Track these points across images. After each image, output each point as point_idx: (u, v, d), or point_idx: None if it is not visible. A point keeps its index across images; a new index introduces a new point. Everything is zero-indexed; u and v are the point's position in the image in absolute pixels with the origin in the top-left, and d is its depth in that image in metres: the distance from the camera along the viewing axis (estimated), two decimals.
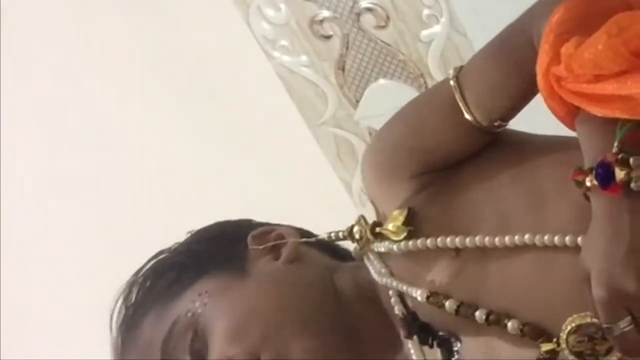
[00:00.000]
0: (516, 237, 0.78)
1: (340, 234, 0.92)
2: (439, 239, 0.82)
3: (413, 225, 0.84)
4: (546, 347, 0.76)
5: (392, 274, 0.87)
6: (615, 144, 0.71)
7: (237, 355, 0.87)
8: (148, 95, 1.92)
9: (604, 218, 0.71)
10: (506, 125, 0.85)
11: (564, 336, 0.75)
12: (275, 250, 0.94)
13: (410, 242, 0.84)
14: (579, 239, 0.75)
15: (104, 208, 1.96)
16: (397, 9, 1.76)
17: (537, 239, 0.77)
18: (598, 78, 0.72)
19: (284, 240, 0.93)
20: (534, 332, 0.77)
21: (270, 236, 0.95)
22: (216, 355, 0.87)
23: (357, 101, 1.86)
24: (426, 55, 1.78)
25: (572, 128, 0.77)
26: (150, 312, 0.92)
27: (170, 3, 1.88)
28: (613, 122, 0.72)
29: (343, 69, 1.84)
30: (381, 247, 0.87)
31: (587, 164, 0.73)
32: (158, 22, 1.88)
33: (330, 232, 0.93)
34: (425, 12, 1.75)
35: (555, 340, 0.76)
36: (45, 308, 2.02)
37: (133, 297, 0.95)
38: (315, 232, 0.99)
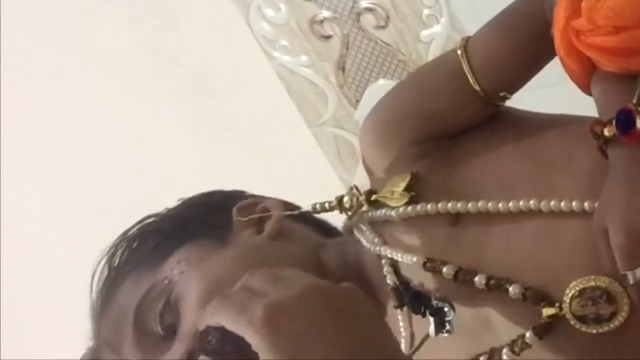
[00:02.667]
0: (521, 203, 0.77)
1: (327, 205, 0.88)
2: (439, 204, 0.80)
3: (414, 191, 0.83)
4: (548, 311, 0.75)
5: (385, 243, 0.85)
6: (637, 95, 0.71)
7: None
8: (148, 95, 1.92)
9: (622, 166, 0.71)
10: (510, 97, 0.85)
11: (567, 300, 0.75)
12: (259, 224, 0.91)
13: (410, 208, 0.82)
14: (586, 204, 0.75)
15: (104, 208, 1.96)
16: (397, 9, 1.76)
17: (543, 205, 0.76)
18: (618, 30, 0.72)
19: (269, 213, 0.90)
20: (537, 296, 0.76)
21: (256, 209, 0.92)
22: (187, 326, 0.84)
23: (357, 101, 1.87)
24: (426, 55, 1.78)
25: (587, 90, 0.77)
26: (129, 277, 0.89)
27: (170, 3, 1.88)
28: (630, 79, 0.72)
29: (343, 69, 1.84)
30: (377, 214, 0.85)
31: (606, 117, 0.73)
32: (158, 22, 1.88)
33: (316, 203, 0.89)
34: (425, 12, 1.75)
35: (557, 304, 0.75)
36: (46, 308, 2.02)
37: (117, 260, 0.91)
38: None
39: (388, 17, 1.77)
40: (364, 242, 0.86)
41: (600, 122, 0.73)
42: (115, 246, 0.93)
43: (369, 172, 0.91)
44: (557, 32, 0.76)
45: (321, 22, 1.81)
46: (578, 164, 0.78)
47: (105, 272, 0.92)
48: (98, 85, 1.92)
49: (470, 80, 0.83)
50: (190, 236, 0.90)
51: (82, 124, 1.96)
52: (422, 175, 0.84)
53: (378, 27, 1.79)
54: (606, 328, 0.74)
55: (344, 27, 1.80)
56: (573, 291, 0.75)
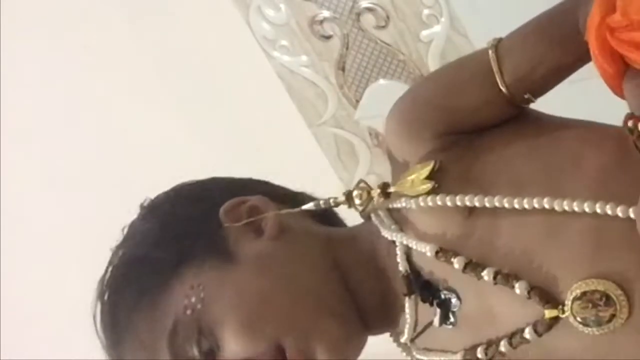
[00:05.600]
0: (535, 200, 0.78)
1: (332, 201, 0.88)
2: (457, 197, 0.81)
3: (436, 180, 0.84)
4: (550, 313, 0.77)
5: (401, 230, 0.86)
6: None
7: (259, 350, 0.85)
8: (148, 95, 1.92)
9: None
10: (534, 101, 0.86)
11: (569, 303, 0.76)
12: (254, 225, 0.90)
13: (430, 198, 0.83)
14: (597, 205, 0.76)
15: (104, 207, 1.96)
16: (397, 9, 1.76)
17: (554, 203, 0.77)
18: None
19: (264, 215, 0.90)
20: (541, 297, 0.77)
21: (242, 208, 0.91)
22: (232, 353, 0.85)
23: (357, 101, 1.86)
24: (426, 55, 1.78)
25: (618, 90, 0.77)
26: (141, 313, 0.88)
27: (171, 3, 1.88)
28: None
29: (343, 69, 1.84)
30: (397, 204, 0.86)
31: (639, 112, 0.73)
32: (158, 22, 1.88)
33: (319, 200, 0.89)
34: (425, 12, 1.75)
35: (560, 307, 0.77)
36: (46, 308, 2.02)
37: (113, 296, 0.90)
38: None
39: (388, 17, 1.77)
40: (381, 228, 0.87)
41: (633, 116, 0.74)
42: (105, 284, 0.91)
43: (392, 161, 0.91)
44: (591, 31, 0.76)
45: (321, 22, 1.81)
46: (587, 169, 0.79)
47: (107, 316, 0.90)
48: (98, 85, 1.92)
49: (499, 81, 0.84)
50: (186, 257, 0.88)
51: (82, 124, 1.96)
52: (442, 166, 0.85)
53: (378, 27, 1.79)
54: (606, 330, 0.76)
55: (344, 27, 1.80)
56: (575, 294, 0.76)
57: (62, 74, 1.91)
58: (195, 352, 0.86)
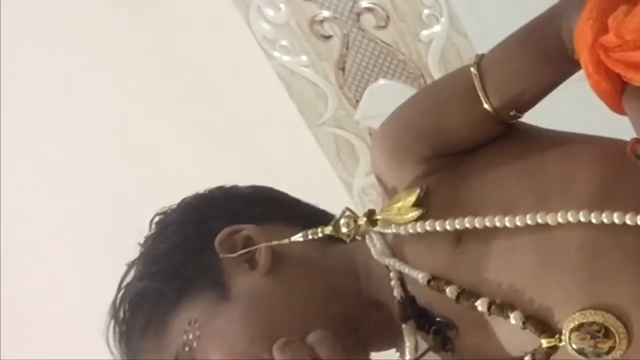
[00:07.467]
0: (526, 217, 0.76)
1: (319, 232, 0.86)
2: (447, 221, 0.79)
3: (424, 206, 0.82)
4: (548, 343, 0.76)
5: (394, 255, 0.85)
6: None
7: None
8: (148, 95, 1.92)
9: None
10: (521, 117, 0.84)
11: (566, 333, 0.75)
12: (249, 255, 0.90)
13: (419, 224, 0.81)
14: (581, 213, 0.74)
15: (104, 208, 1.97)
16: (397, 9, 1.76)
17: (549, 218, 0.75)
18: None
19: (255, 247, 0.89)
20: (537, 327, 0.76)
21: (237, 237, 0.91)
22: None
23: (357, 101, 1.86)
24: (426, 55, 1.78)
25: (617, 108, 0.75)
26: (148, 342, 0.90)
27: (171, 3, 1.88)
28: None
29: (343, 69, 1.84)
30: (386, 229, 0.84)
31: None
32: (158, 22, 1.88)
33: (307, 232, 0.87)
34: (425, 12, 1.75)
35: (557, 336, 0.75)
36: (46, 309, 2.02)
37: (126, 320, 0.92)
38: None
39: (388, 17, 1.77)
40: (373, 253, 0.86)
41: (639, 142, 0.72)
42: (118, 308, 0.93)
43: (380, 183, 0.90)
44: (584, 51, 0.74)
45: (321, 22, 1.81)
46: (577, 190, 0.77)
47: (121, 338, 0.92)
48: (98, 85, 1.92)
49: (482, 99, 0.81)
50: (185, 290, 0.89)
51: (82, 123, 1.96)
52: (429, 191, 0.84)
53: (378, 27, 1.79)
54: None
55: (344, 27, 1.80)
56: (572, 325, 0.75)
57: (62, 74, 1.91)
58: None
